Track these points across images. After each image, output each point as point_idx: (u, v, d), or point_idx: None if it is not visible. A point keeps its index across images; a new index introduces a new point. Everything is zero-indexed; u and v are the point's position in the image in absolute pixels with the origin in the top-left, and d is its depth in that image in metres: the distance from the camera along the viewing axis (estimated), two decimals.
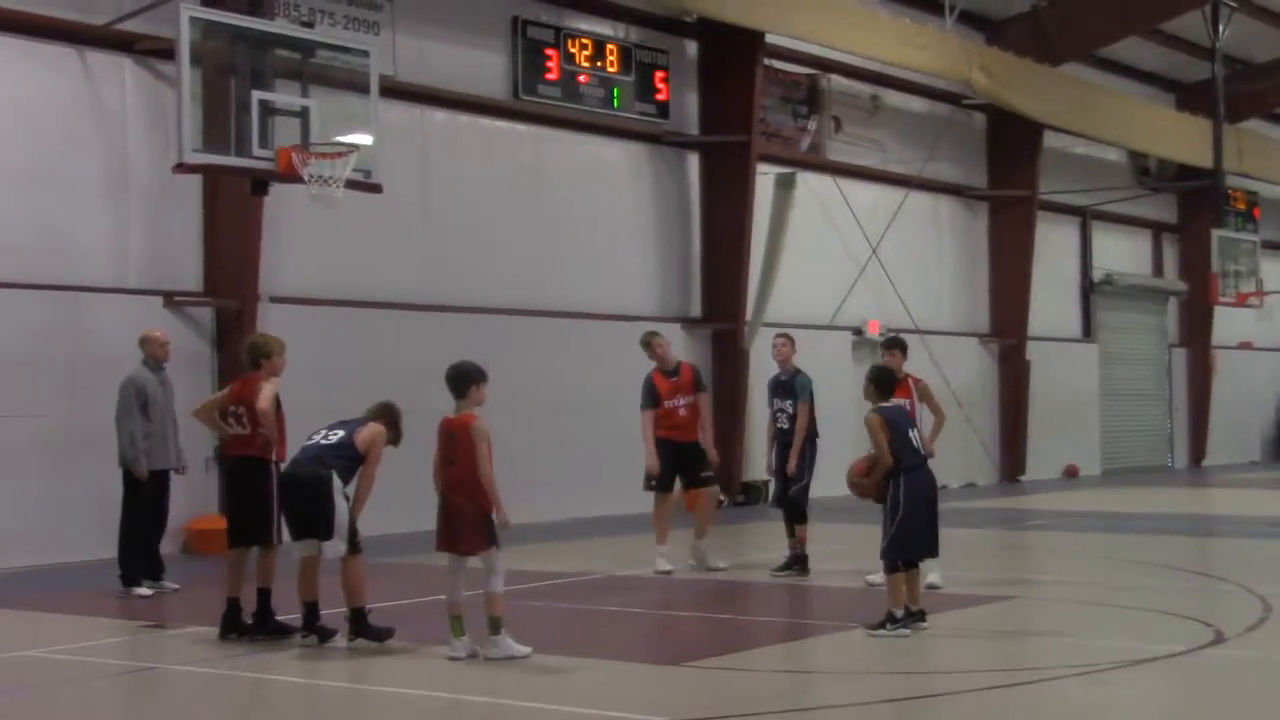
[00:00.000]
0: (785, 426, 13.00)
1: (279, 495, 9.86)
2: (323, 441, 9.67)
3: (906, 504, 9.84)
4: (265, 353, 10.22)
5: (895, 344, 12.23)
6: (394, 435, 9.86)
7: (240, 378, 10.43)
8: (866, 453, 10.15)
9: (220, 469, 10.27)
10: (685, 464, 13.46)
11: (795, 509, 12.97)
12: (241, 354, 10.52)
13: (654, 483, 13.47)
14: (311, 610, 9.75)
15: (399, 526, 14.54)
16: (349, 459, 9.58)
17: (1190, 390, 32.72)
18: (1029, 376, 27.19)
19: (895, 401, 10.27)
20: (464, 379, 9.24)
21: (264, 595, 9.98)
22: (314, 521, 9.55)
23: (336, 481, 9.54)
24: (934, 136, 25.45)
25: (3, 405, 14.31)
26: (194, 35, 12.24)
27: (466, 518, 9.06)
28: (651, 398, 13.45)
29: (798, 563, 12.97)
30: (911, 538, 9.88)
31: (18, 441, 14.38)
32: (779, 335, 13.43)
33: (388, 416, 9.86)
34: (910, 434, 10.04)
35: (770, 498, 13.37)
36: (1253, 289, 28.56)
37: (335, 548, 9.53)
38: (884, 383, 10.26)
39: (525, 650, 9.04)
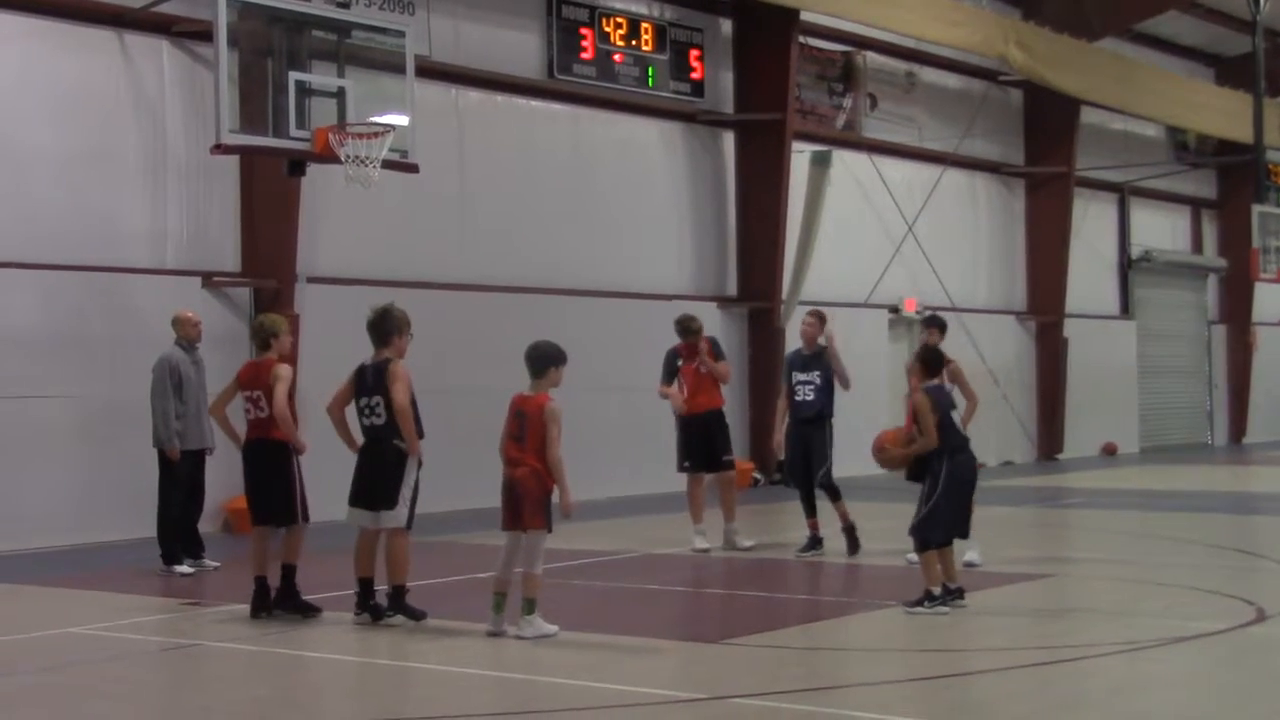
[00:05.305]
0: (810, 399, 12.90)
1: (359, 463, 9.70)
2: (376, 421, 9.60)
3: (945, 486, 9.82)
4: (273, 331, 10.30)
5: (934, 322, 12.32)
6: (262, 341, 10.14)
7: (249, 361, 10.55)
8: (898, 427, 10.15)
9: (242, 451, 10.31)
10: (709, 444, 13.48)
11: (833, 491, 12.95)
12: (250, 336, 10.60)
13: (686, 464, 13.59)
14: (367, 587, 9.71)
15: (439, 505, 14.61)
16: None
17: (1230, 367, 32.49)
18: (1067, 354, 27.04)
19: (938, 382, 10.24)
20: (544, 360, 9.25)
21: (289, 572, 10.04)
22: (387, 492, 9.49)
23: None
24: (970, 113, 25.31)
25: (43, 386, 14.43)
26: (231, 17, 12.28)
27: (530, 494, 9.05)
28: (671, 375, 13.59)
29: (819, 543, 12.96)
30: (943, 519, 9.87)
31: (58, 422, 14.50)
32: (810, 315, 13.26)
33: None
34: (954, 415, 10.05)
35: (786, 478, 13.24)
36: None
37: (395, 518, 9.51)
38: (932, 362, 10.24)
39: (553, 629, 9.07)
